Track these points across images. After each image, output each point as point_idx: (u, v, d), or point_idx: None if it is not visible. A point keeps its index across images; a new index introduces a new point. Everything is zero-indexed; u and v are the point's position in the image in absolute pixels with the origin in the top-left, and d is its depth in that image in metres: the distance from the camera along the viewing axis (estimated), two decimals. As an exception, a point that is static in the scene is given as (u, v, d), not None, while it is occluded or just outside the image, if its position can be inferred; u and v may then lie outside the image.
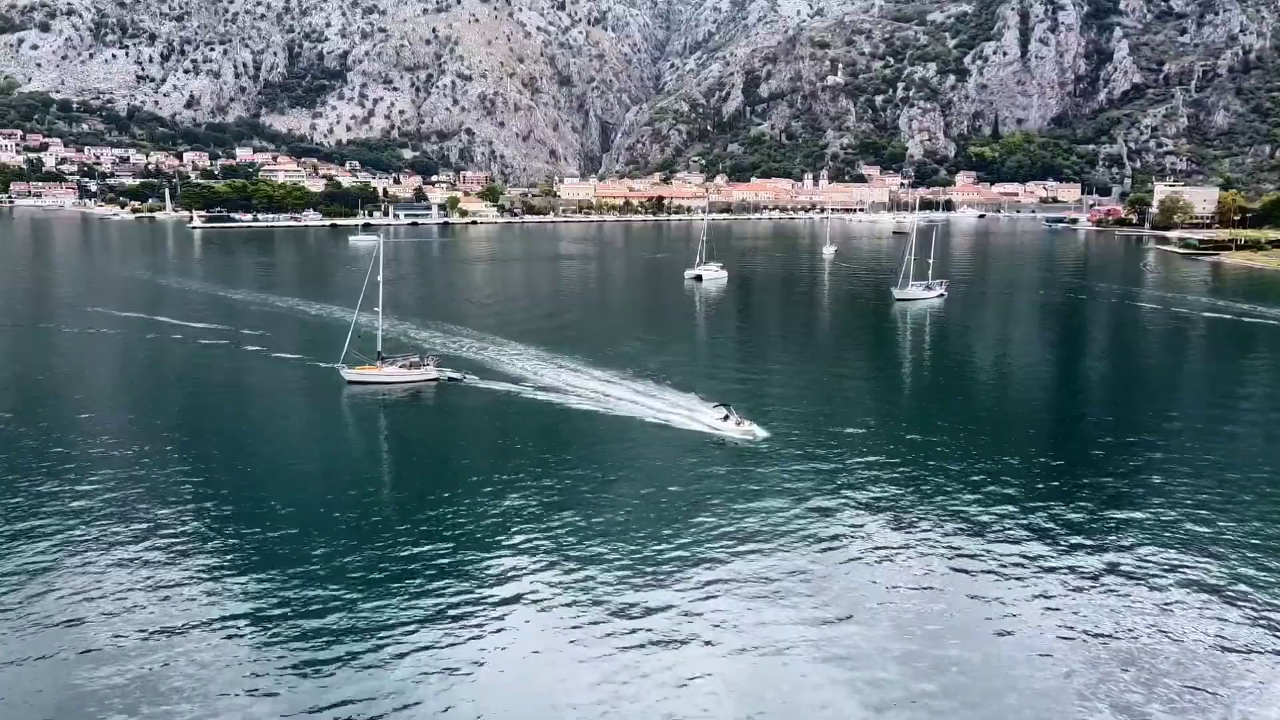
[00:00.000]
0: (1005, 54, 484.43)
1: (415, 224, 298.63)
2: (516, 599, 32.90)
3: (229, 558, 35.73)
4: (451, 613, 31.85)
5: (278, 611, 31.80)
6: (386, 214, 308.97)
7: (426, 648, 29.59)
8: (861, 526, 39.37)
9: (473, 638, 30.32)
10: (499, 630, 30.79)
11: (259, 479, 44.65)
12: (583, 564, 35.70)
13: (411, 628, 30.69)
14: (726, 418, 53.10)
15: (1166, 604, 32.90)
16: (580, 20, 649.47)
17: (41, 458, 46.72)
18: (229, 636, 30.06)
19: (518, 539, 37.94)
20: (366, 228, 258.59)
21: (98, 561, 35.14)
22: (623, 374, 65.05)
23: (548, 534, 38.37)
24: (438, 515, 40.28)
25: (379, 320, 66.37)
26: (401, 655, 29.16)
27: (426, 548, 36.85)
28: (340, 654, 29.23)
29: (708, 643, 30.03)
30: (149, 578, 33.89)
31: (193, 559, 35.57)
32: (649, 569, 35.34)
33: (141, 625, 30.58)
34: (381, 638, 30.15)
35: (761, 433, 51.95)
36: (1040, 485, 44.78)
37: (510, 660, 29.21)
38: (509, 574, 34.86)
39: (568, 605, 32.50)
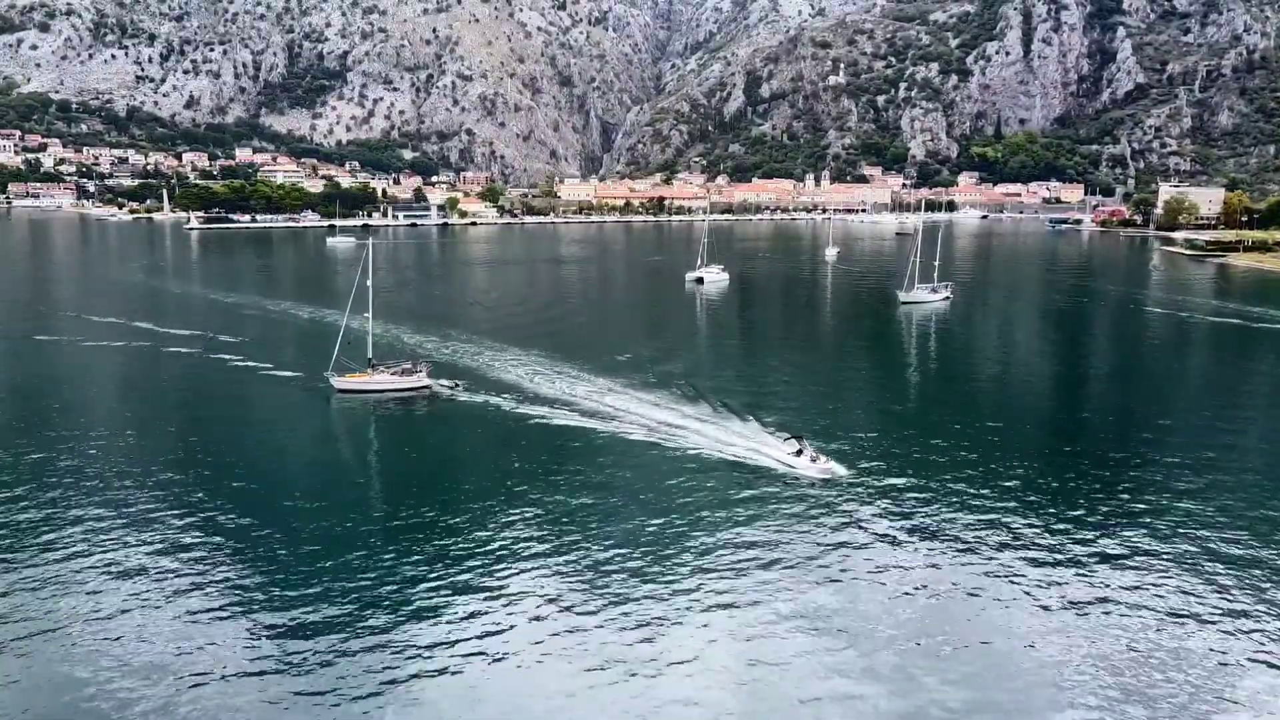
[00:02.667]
0: (1008, 54, 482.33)
1: (414, 225, 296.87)
2: (529, 644, 30.82)
3: (206, 572, 33.76)
4: (445, 642, 29.83)
5: (265, 624, 30.48)
6: (385, 215, 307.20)
7: (419, 672, 27.63)
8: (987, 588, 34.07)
9: (463, 669, 28.32)
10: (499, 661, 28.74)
11: (238, 495, 42.51)
12: (601, 607, 33.03)
13: (402, 652, 28.70)
14: (800, 452, 45.97)
15: (1172, 608, 32.63)
16: (581, 20, 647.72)
17: (23, 472, 44.70)
18: (216, 650, 28.74)
19: (530, 577, 35.77)
20: (365, 229, 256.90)
21: (83, 578, 33.73)
22: (643, 388, 62.20)
23: (560, 569, 36.15)
24: (431, 540, 38.16)
25: (369, 325, 64.28)
26: (394, 676, 27.40)
27: (417, 574, 34.78)
28: (332, 667, 28.11)
29: None
30: (135, 593, 32.45)
31: (173, 572, 33.89)
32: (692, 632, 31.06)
33: (133, 642, 29.30)
34: (374, 648, 28.54)
35: (841, 470, 45.37)
36: (1091, 499, 42.73)
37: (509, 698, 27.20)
38: (518, 620, 32.72)
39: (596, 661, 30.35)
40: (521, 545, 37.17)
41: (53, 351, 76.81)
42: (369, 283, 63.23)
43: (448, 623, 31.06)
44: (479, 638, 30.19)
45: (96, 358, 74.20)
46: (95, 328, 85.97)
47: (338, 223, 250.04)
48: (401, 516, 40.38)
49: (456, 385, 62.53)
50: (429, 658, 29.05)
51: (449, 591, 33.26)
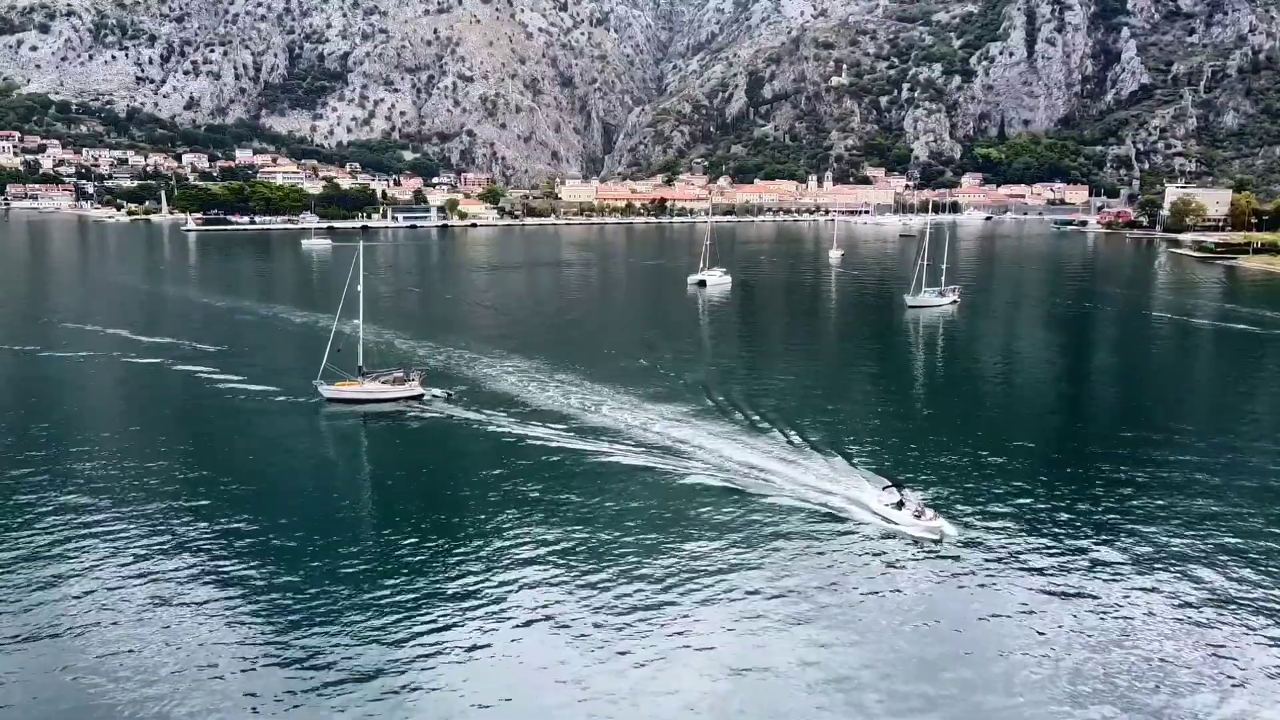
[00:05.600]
0: (1011, 54, 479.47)
1: (414, 227, 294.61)
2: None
3: (190, 585, 31.75)
4: (441, 654, 27.56)
5: (255, 633, 29.50)
6: (385, 216, 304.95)
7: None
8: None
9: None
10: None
11: (222, 510, 40.21)
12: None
13: (396, 664, 26.48)
14: (901, 504, 38.67)
15: (1174, 613, 32.13)
16: (582, 21, 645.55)
17: (6, 488, 42.57)
18: (204, 664, 26.88)
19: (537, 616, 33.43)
20: (365, 230, 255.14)
21: (69, 593, 32.44)
22: (661, 404, 59.25)
23: (567, 608, 33.83)
24: (421, 562, 35.85)
25: (360, 332, 61.96)
26: (388, 687, 25.19)
27: (407, 591, 32.49)
28: (321, 676, 27.18)
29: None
30: (123, 609, 30.99)
31: (158, 582, 32.61)
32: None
33: (129, 663, 27.43)
34: (365, 664, 26.57)
35: (950, 529, 37.89)
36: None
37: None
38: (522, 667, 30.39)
39: None
40: (524, 579, 34.82)
41: (41, 363, 74.51)
42: (359, 287, 60.98)
43: (442, 637, 28.88)
44: (474, 659, 27.97)
45: (83, 366, 71.93)
46: (84, 336, 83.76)
47: (314, 225, 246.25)
48: (390, 535, 38.09)
49: (451, 394, 60.28)
50: (424, 669, 27.86)
51: (443, 610, 31.03)
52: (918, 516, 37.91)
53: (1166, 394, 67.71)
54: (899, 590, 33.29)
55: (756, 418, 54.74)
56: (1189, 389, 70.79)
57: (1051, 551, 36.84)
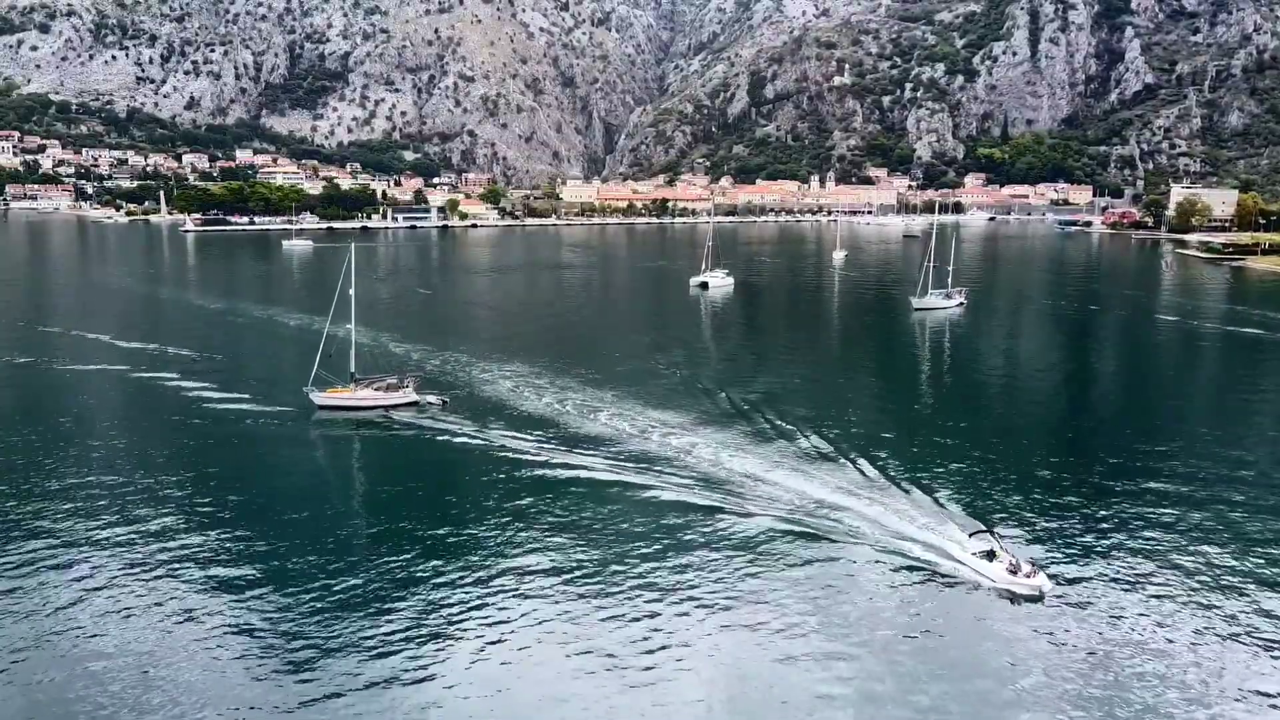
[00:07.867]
0: (1015, 54, 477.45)
1: (414, 227, 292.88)
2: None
3: (177, 599, 29.88)
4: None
5: (249, 653, 27.13)
6: (385, 217, 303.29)
7: None
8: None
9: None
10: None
11: (209, 525, 38.46)
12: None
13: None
14: (992, 555, 33.54)
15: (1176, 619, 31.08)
16: (584, 21, 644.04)
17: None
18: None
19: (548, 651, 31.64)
20: (364, 230, 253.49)
21: (59, 610, 30.72)
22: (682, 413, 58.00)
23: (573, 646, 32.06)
24: (420, 585, 34.06)
25: (352, 336, 60.11)
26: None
27: (399, 614, 30.72)
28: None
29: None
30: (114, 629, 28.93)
31: (149, 598, 30.98)
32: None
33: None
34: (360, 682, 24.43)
35: (1048, 584, 32.80)
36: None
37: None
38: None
39: None
40: (523, 594, 33.02)
41: (36, 370, 72.76)
42: (351, 291, 59.19)
43: (438, 652, 27.11)
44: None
45: (75, 374, 70.19)
46: (77, 342, 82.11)
47: (297, 226, 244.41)
48: (383, 547, 36.37)
49: (447, 401, 58.48)
50: (420, 681, 26.08)
51: (439, 624, 29.28)
52: (1013, 571, 32.76)
53: (1239, 412, 64.15)
54: (998, 656, 29.25)
55: (804, 439, 52.28)
56: (1253, 403, 68.66)
57: (1180, 615, 31.76)
